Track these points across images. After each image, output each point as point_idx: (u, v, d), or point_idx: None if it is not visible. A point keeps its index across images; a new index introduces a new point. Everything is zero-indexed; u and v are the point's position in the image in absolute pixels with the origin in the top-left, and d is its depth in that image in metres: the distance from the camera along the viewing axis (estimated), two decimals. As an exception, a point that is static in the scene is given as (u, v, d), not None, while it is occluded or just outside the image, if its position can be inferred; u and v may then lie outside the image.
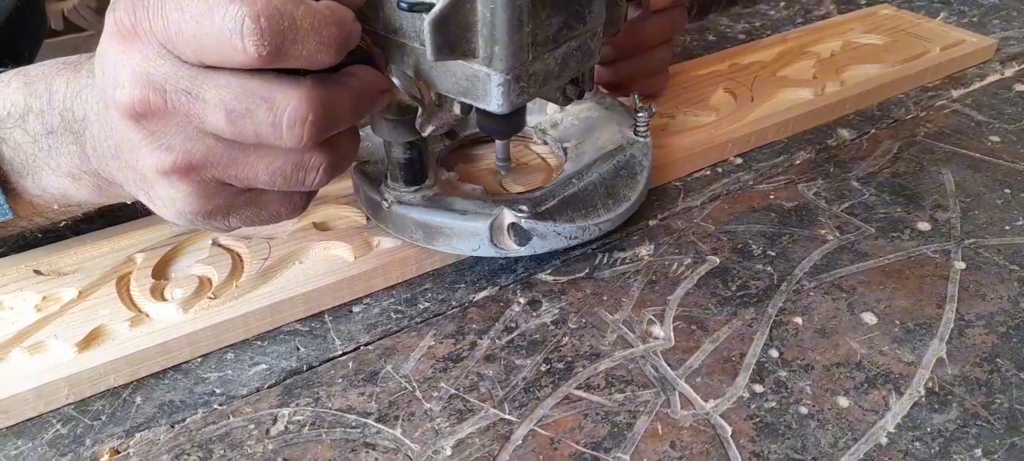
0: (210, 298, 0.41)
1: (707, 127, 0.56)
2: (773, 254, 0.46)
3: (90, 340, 0.38)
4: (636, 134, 0.50)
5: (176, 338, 0.38)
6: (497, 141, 0.49)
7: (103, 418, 0.36)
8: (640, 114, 0.49)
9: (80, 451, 0.35)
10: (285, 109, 0.31)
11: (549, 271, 0.45)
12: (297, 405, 0.37)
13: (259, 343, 0.41)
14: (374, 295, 0.44)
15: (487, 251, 0.43)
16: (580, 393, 0.37)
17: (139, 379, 0.38)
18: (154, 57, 0.31)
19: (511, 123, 0.44)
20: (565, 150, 0.51)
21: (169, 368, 0.39)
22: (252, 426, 0.36)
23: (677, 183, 0.53)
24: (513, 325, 0.41)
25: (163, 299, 0.41)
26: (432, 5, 0.34)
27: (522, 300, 0.43)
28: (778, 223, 0.49)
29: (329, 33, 0.31)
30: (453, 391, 0.38)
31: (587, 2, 0.38)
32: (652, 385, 0.38)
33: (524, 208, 0.43)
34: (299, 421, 0.36)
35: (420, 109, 0.39)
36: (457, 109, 0.39)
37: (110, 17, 0.31)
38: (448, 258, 0.46)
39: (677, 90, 0.61)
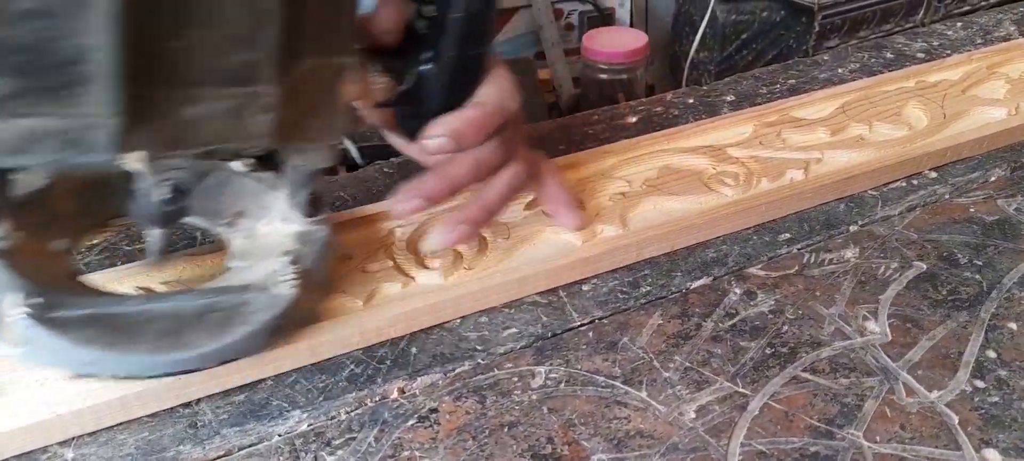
0: (466, 269, 0.47)
1: (901, 140, 0.58)
2: (980, 263, 0.48)
3: (371, 297, 0.45)
4: (277, 278, 0.39)
5: (443, 300, 0.45)
6: (152, 231, 0.40)
7: (388, 363, 0.43)
8: (282, 260, 0.39)
9: (373, 387, 0.41)
10: None
11: (759, 266, 0.49)
12: (551, 364, 0.42)
13: (507, 310, 0.46)
14: (599, 276, 0.49)
15: None
16: (806, 375, 0.41)
17: (412, 333, 0.45)
18: None
19: (164, 216, 0.39)
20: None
21: (434, 326, 0.45)
22: (516, 379, 0.41)
23: (873, 192, 0.56)
24: (733, 311, 0.45)
25: (426, 267, 0.47)
26: None
27: (738, 290, 0.47)
28: (982, 235, 0.51)
29: None
30: (687, 364, 0.42)
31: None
32: (875, 373, 0.41)
33: (39, 301, 0.32)
34: (555, 378, 0.41)
35: None
36: None
37: None
38: (663, 247, 0.50)
39: (866, 105, 0.63)
